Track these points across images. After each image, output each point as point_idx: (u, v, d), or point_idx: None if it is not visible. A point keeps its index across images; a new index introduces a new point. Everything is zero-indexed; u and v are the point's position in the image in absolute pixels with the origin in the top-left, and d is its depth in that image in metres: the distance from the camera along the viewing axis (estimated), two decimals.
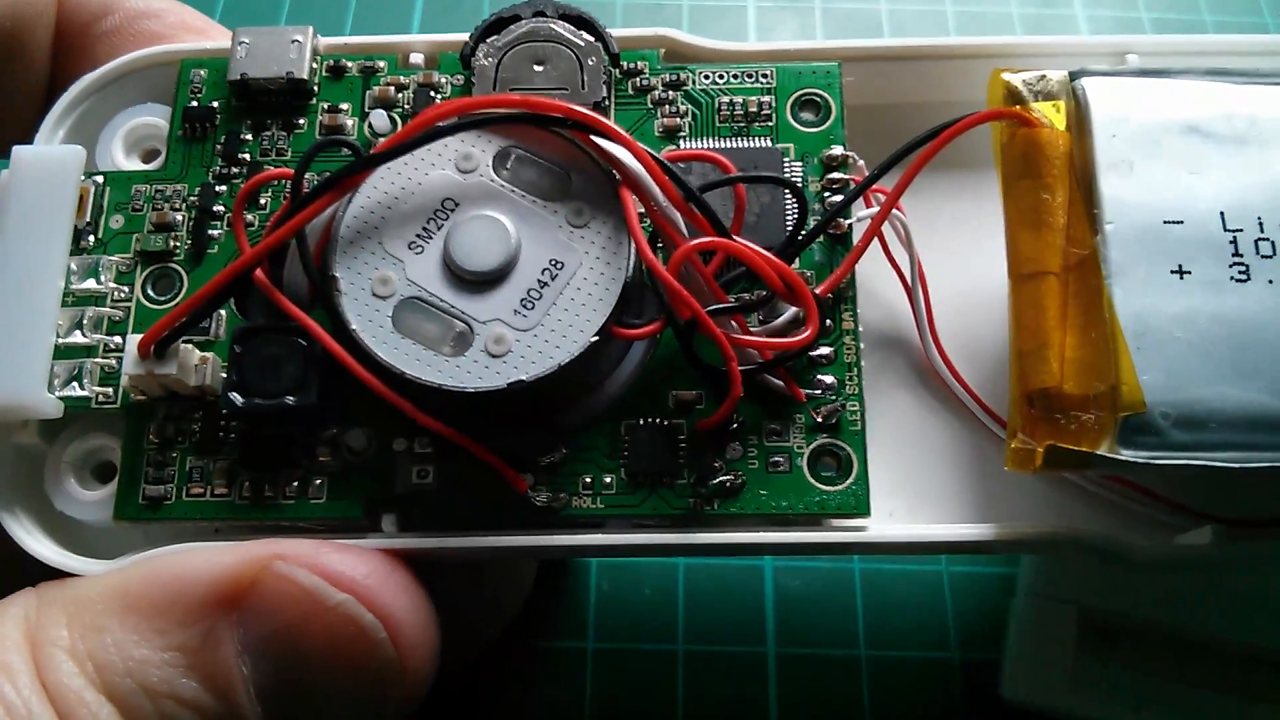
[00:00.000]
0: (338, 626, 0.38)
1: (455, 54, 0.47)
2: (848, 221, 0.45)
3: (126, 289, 0.44)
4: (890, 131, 0.46)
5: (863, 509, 0.42)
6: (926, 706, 0.59)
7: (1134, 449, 0.39)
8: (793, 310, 0.43)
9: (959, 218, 0.50)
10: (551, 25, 0.46)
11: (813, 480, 0.42)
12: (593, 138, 0.42)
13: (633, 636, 0.59)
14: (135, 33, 0.50)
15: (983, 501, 0.46)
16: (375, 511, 0.42)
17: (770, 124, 0.46)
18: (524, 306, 0.41)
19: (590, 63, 0.46)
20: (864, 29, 0.80)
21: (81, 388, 0.43)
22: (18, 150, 0.44)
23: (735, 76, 0.47)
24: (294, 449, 0.42)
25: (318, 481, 0.42)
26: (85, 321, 0.44)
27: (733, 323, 0.42)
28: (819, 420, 0.42)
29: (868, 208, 0.45)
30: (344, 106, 0.47)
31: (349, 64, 0.47)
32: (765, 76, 0.47)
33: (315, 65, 0.47)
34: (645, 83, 0.47)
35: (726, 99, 0.47)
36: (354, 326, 0.41)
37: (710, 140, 0.46)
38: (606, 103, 0.46)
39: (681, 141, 0.46)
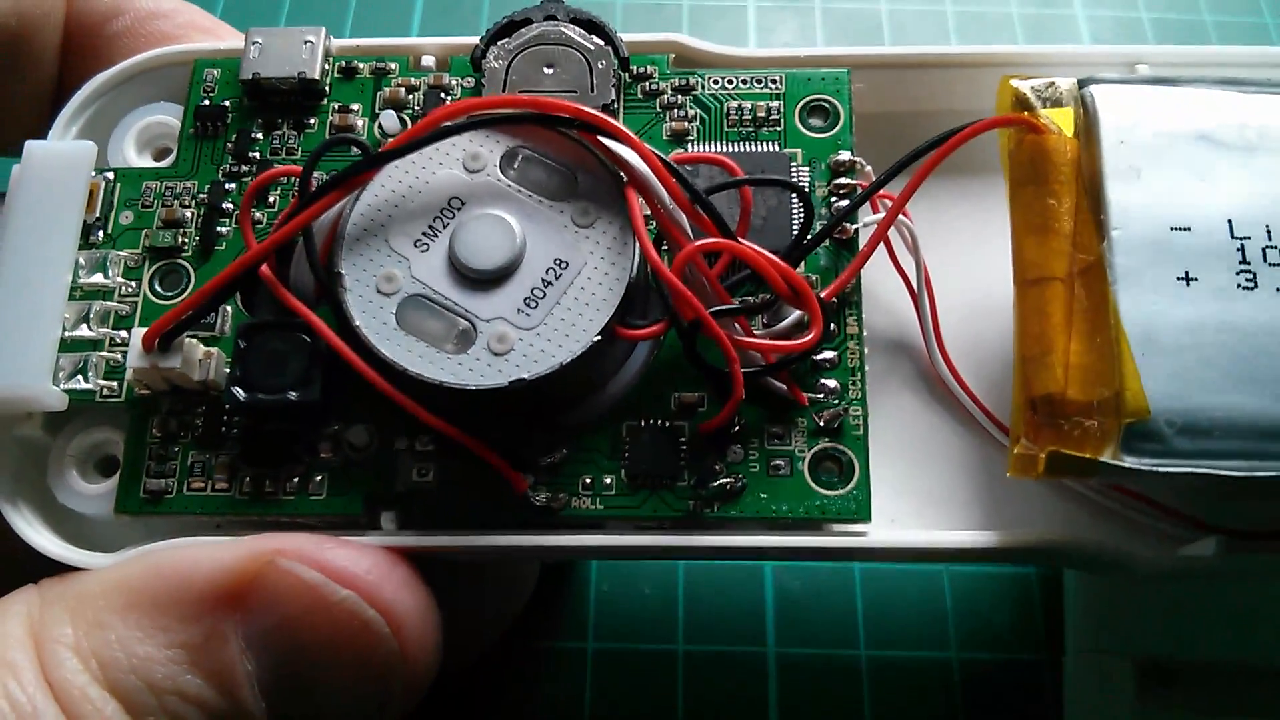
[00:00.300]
0: (341, 622, 0.38)
1: (466, 57, 0.47)
2: (854, 226, 0.45)
3: (134, 284, 0.45)
4: (898, 138, 0.46)
5: (863, 515, 0.41)
6: (926, 706, 0.58)
7: (1137, 456, 0.38)
8: (797, 313, 0.43)
9: (966, 223, 0.49)
10: (562, 29, 0.46)
11: (813, 485, 0.42)
12: (600, 139, 0.42)
13: (633, 636, 0.59)
14: (146, 33, 0.50)
15: (986, 508, 0.45)
16: (375, 509, 0.42)
17: (778, 129, 0.46)
18: (528, 305, 0.41)
19: (600, 66, 0.46)
20: (864, 29, 0.79)
21: (86, 381, 0.43)
22: (30, 145, 0.45)
23: (744, 82, 0.47)
24: (296, 445, 0.42)
25: (319, 478, 0.42)
26: (92, 315, 0.44)
27: (736, 325, 0.42)
28: (821, 424, 0.42)
29: (875, 213, 0.45)
30: (354, 107, 0.47)
31: (360, 65, 0.48)
32: (774, 82, 0.47)
33: (327, 66, 0.47)
34: (654, 87, 0.47)
35: (735, 104, 0.47)
36: (358, 323, 0.41)
37: (718, 145, 0.46)
38: (615, 105, 0.46)
39: (689, 145, 0.46)
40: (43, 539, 0.42)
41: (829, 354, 0.43)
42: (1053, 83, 0.44)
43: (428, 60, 0.48)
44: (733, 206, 0.44)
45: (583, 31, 0.46)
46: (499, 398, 0.40)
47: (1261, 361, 0.39)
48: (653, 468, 0.42)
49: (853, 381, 0.43)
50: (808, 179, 0.45)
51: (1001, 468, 0.44)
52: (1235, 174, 0.41)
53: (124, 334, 0.44)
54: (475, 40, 0.47)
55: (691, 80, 0.47)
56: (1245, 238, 0.40)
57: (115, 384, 0.43)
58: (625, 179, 0.42)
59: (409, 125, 0.47)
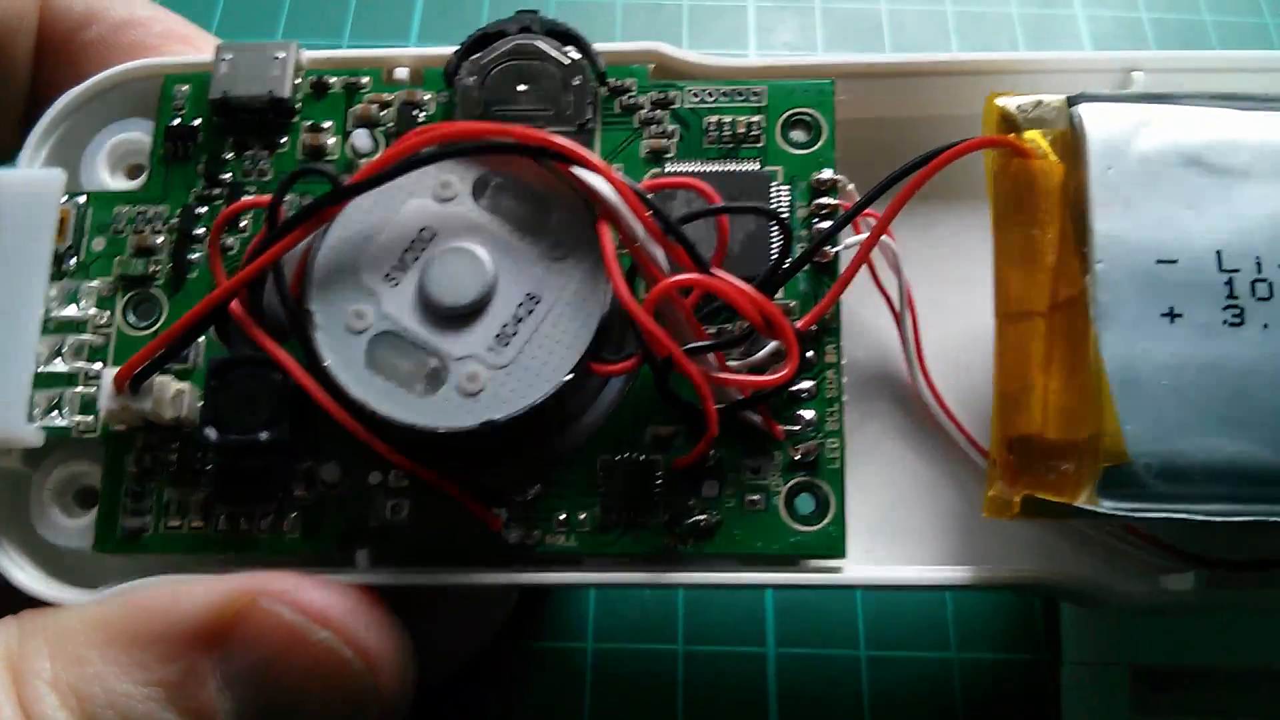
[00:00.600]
0: (320, 661, 0.39)
1: (440, 69, 0.46)
2: (834, 250, 0.44)
3: (107, 314, 0.44)
4: (885, 145, 0.45)
5: (838, 550, 0.41)
6: (926, 706, 0.58)
7: (1114, 500, 0.38)
8: (775, 343, 0.42)
9: (952, 245, 0.48)
10: (536, 42, 0.45)
11: (789, 520, 0.42)
12: (572, 168, 0.41)
13: (633, 636, 0.59)
14: (119, 43, 0.49)
15: (968, 539, 0.45)
16: (349, 545, 0.42)
17: (759, 145, 0.45)
18: (499, 343, 0.40)
19: (575, 82, 0.45)
20: (864, 29, 0.77)
21: (62, 417, 0.43)
22: None
23: (725, 94, 0.46)
24: (269, 482, 0.42)
25: (292, 515, 0.42)
26: (65, 349, 0.44)
27: (711, 358, 0.41)
28: (797, 458, 0.42)
29: (857, 234, 0.44)
30: (326, 125, 0.46)
31: (332, 80, 0.47)
32: (756, 95, 0.46)
33: (299, 81, 0.46)
34: (632, 101, 0.46)
35: (715, 119, 0.45)
36: (327, 363, 0.40)
37: (697, 163, 0.45)
38: (591, 124, 0.45)
39: (668, 164, 0.45)
40: (23, 575, 0.42)
41: (806, 384, 0.43)
42: (1040, 100, 0.42)
43: (401, 73, 0.47)
44: (711, 231, 0.43)
45: (558, 45, 0.45)
46: (470, 438, 0.40)
47: (1244, 403, 0.38)
48: (627, 504, 0.42)
49: (830, 413, 0.42)
50: (788, 199, 0.44)
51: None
52: (1226, 200, 0.40)
53: (98, 366, 0.44)
54: (449, 51, 0.46)
55: (670, 94, 0.46)
56: (1234, 270, 0.39)
57: (91, 419, 0.43)
58: (598, 210, 0.41)
59: (382, 144, 0.46)
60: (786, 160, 0.45)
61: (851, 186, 0.44)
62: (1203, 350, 0.38)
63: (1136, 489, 0.38)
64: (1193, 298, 0.39)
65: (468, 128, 0.41)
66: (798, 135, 0.45)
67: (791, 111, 0.45)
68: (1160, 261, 0.39)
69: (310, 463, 0.42)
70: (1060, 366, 0.40)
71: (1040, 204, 0.41)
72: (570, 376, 0.40)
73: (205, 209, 0.45)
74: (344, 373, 0.40)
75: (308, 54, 0.47)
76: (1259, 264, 0.39)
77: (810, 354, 0.43)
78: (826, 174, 0.44)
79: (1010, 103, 0.42)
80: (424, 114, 0.46)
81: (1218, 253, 0.39)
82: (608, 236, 0.40)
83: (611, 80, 0.46)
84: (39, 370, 0.43)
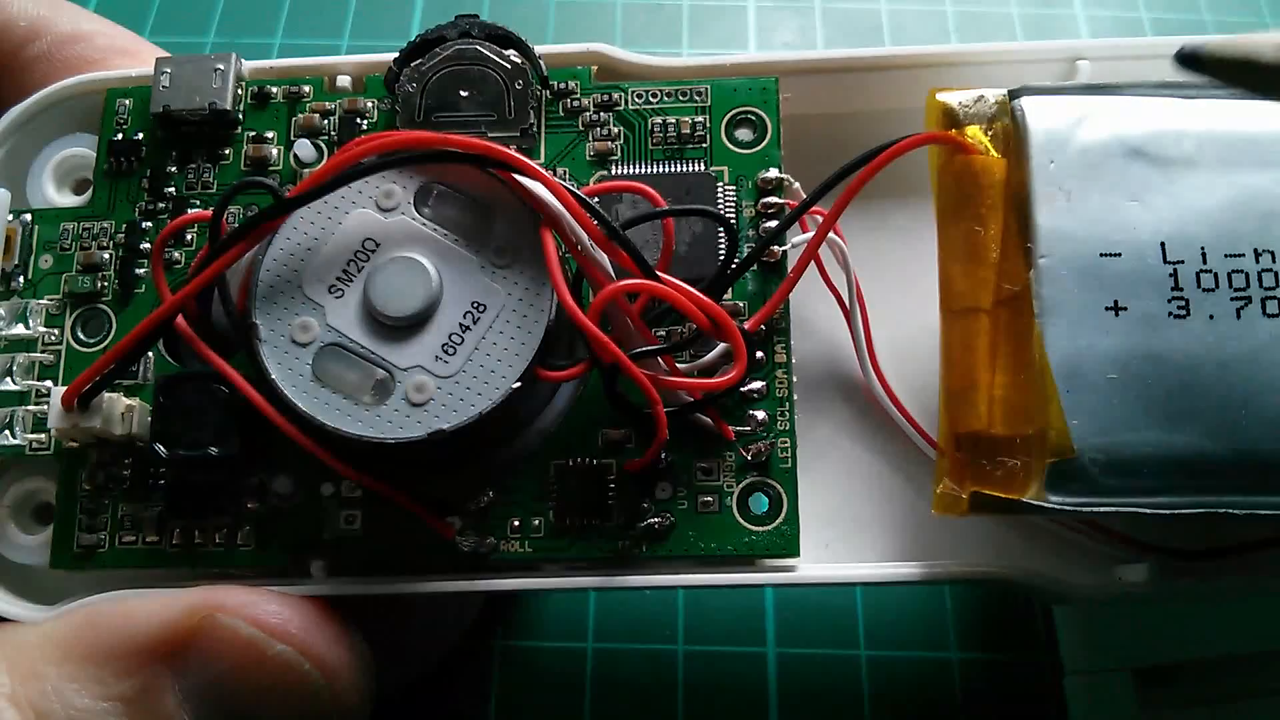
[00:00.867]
0: (278, 674, 0.39)
1: (382, 76, 0.46)
2: (782, 249, 0.44)
3: (57, 331, 0.44)
4: (832, 140, 0.45)
5: (792, 549, 0.41)
6: (926, 706, 0.58)
7: (1062, 495, 0.38)
8: (724, 345, 0.42)
9: (903, 240, 0.48)
10: (477, 47, 0.45)
11: (742, 520, 0.42)
12: (513, 175, 0.41)
13: (633, 636, 0.59)
14: (64, 58, 0.49)
15: (923, 535, 0.45)
16: (304, 557, 0.42)
17: (704, 145, 0.45)
18: (445, 352, 0.40)
19: (518, 86, 0.44)
20: (864, 29, 0.77)
21: (14, 436, 0.43)
22: None
23: (669, 95, 0.45)
24: (221, 496, 0.42)
25: (246, 528, 0.42)
26: (15, 368, 0.44)
27: (661, 361, 0.41)
28: (749, 458, 0.42)
29: (804, 232, 0.44)
30: (269, 135, 0.46)
31: (274, 89, 0.46)
32: (700, 94, 0.45)
33: (240, 93, 0.46)
34: (576, 104, 0.45)
35: (659, 119, 0.45)
36: (273, 376, 0.40)
37: (643, 165, 0.45)
38: (535, 129, 0.45)
39: (614, 166, 0.45)
40: None
41: (757, 384, 0.42)
42: (981, 95, 0.42)
43: (343, 81, 0.46)
44: (657, 233, 0.42)
45: (498, 49, 0.45)
46: (420, 448, 0.40)
47: (1189, 395, 0.38)
48: (581, 509, 0.42)
49: (780, 413, 0.42)
50: (734, 199, 0.44)
51: None
52: (1171, 191, 0.40)
53: (49, 384, 0.43)
54: (392, 57, 0.45)
55: (614, 96, 0.45)
56: (1178, 262, 0.39)
57: (43, 437, 0.43)
58: (541, 217, 0.41)
59: (326, 153, 0.46)
60: (732, 159, 0.45)
61: (797, 185, 0.44)
62: (1147, 343, 0.38)
63: (1084, 483, 0.38)
64: (1137, 290, 0.39)
65: (408, 137, 0.41)
66: (743, 134, 0.45)
67: (736, 110, 0.45)
68: (1104, 255, 0.39)
69: (262, 476, 0.42)
70: (1006, 362, 0.40)
71: (983, 200, 0.41)
72: (518, 385, 0.40)
73: (150, 224, 0.45)
74: (290, 386, 0.40)
75: (248, 64, 0.47)
76: (1204, 255, 0.39)
77: (760, 354, 0.43)
78: (772, 173, 0.44)
79: (951, 98, 0.42)
80: (366, 122, 0.46)
81: (1162, 244, 0.39)
82: (551, 243, 0.40)
83: (555, 83, 0.46)
84: None
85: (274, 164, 0.46)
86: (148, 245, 0.45)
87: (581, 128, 0.45)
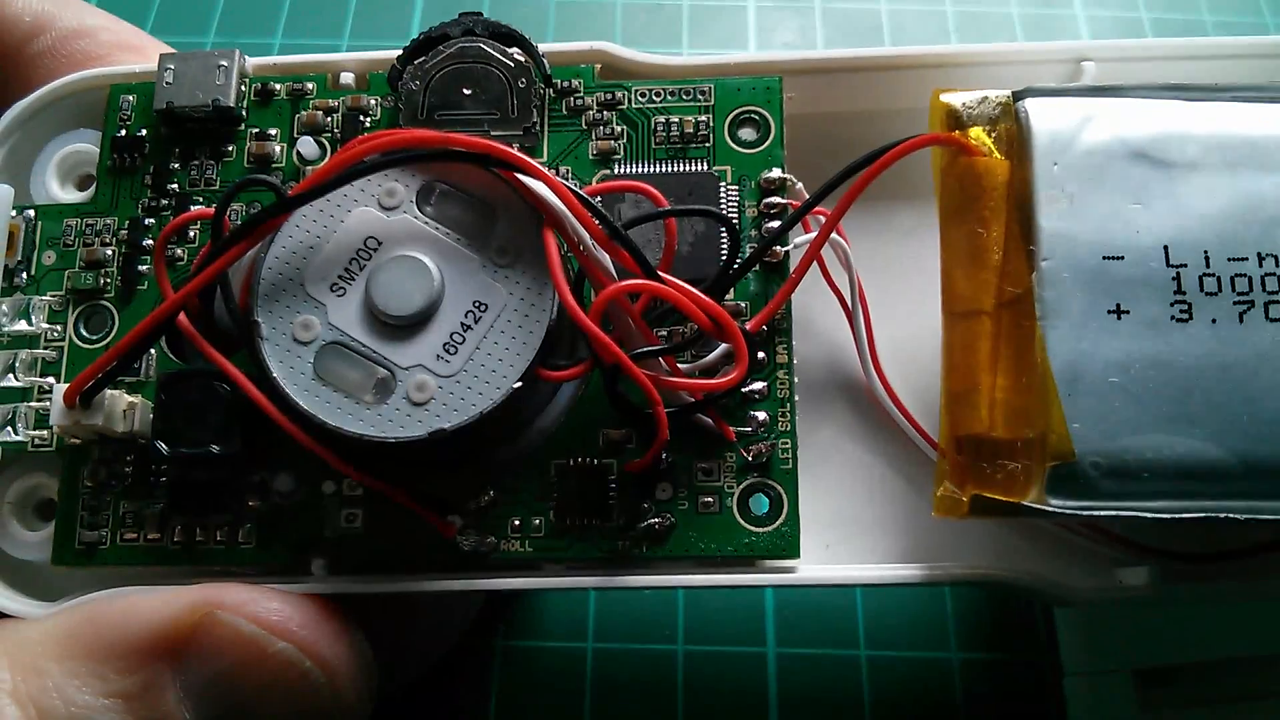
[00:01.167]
0: (279, 672, 0.39)
1: (385, 73, 0.46)
2: (784, 249, 0.43)
3: (60, 328, 0.44)
4: (835, 140, 0.45)
5: (792, 551, 0.41)
6: (927, 707, 0.58)
7: (1062, 499, 0.38)
8: (725, 345, 0.42)
9: (906, 241, 0.48)
10: (481, 45, 0.45)
11: (742, 521, 0.42)
12: (515, 175, 0.41)
13: (633, 636, 0.59)
14: (69, 53, 0.49)
15: (924, 537, 0.45)
16: (305, 555, 0.42)
17: (707, 144, 0.45)
18: (447, 351, 0.40)
19: (521, 84, 0.44)
20: (864, 29, 0.76)
21: (16, 433, 0.43)
22: None
23: (672, 94, 0.45)
24: (223, 494, 0.42)
25: (247, 526, 0.42)
26: (18, 364, 0.44)
27: (662, 362, 0.41)
28: (749, 459, 0.42)
29: (807, 232, 0.44)
30: (272, 132, 0.46)
31: (277, 86, 0.46)
32: (703, 94, 0.45)
33: (243, 89, 0.46)
34: (579, 102, 0.45)
35: (663, 118, 0.45)
36: (275, 375, 0.40)
37: (646, 164, 0.45)
38: (538, 127, 0.45)
39: (616, 165, 0.45)
40: None
41: (758, 385, 0.42)
42: (985, 96, 0.42)
43: (346, 78, 0.46)
44: (659, 233, 0.42)
45: (502, 47, 0.45)
46: (421, 447, 0.40)
47: (1191, 400, 0.38)
48: (581, 509, 0.42)
49: (782, 413, 0.42)
50: (737, 199, 0.44)
51: None
52: (1174, 195, 0.39)
53: (51, 381, 0.44)
54: (395, 55, 0.45)
55: (618, 94, 0.45)
56: (1181, 265, 0.39)
57: (46, 433, 0.43)
58: (543, 217, 0.41)
59: (329, 150, 0.46)
60: (735, 159, 0.45)
61: (800, 186, 0.44)
62: (1150, 347, 0.38)
63: (1084, 487, 0.38)
64: (1140, 294, 0.39)
65: (410, 136, 0.41)
66: (746, 134, 0.45)
67: (739, 110, 0.45)
68: (1107, 258, 0.39)
69: (263, 474, 0.42)
70: (1007, 365, 0.40)
71: (986, 201, 0.41)
72: (519, 384, 0.40)
73: (153, 220, 0.45)
74: (292, 384, 0.40)
75: (252, 61, 0.47)
76: (1207, 258, 0.39)
77: (761, 355, 0.43)
78: (775, 173, 0.44)
79: (955, 99, 0.42)
80: (369, 120, 0.46)
81: (1165, 248, 0.39)
82: (553, 243, 0.40)
83: (558, 81, 0.45)
84: None
85: (277, 161, 0.46)
86: (150, 242, 0.45)
87: (584, 126, 0.45)
